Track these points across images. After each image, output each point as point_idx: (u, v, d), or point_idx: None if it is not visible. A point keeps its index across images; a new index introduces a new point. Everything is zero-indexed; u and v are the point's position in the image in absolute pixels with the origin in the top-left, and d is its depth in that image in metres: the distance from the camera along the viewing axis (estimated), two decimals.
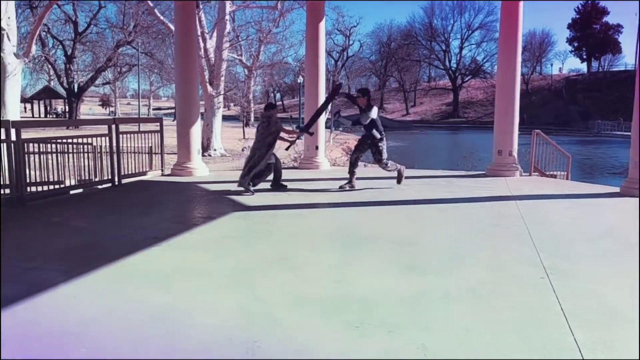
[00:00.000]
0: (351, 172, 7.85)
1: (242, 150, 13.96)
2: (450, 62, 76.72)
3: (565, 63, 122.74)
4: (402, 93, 78.34)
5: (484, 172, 9.71)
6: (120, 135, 8.25)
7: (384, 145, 7.67)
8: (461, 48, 76.18)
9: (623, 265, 4.14)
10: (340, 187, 7.75)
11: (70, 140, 8.26)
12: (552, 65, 79.24)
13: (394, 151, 28.73)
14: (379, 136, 7.58)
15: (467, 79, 76.34)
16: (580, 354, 2.58)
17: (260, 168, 7.37)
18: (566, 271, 3.92)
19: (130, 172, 8.63)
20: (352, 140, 35.60)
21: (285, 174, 9.60)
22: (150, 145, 9.37)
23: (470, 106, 74.55)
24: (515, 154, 9.37)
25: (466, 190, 7.88)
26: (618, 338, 2.79)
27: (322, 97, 10.54)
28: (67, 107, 38.30)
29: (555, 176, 10.00)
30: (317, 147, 10.34)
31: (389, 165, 7.74)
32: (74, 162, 8.04)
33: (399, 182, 7.85)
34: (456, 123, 68.72)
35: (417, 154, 26.10)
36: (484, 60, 74.27)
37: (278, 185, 7.82)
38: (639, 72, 7.47)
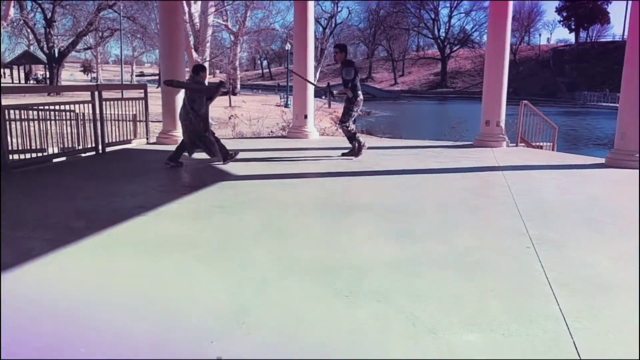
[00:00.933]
0: (356, 136, 7.72)
1: (229, 118, 13.79)
2: (439, 31, 76.01)
3: (554, 33, 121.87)
4: (391, 62, 77.73)
5: (471, 143, 9.73)
6: (104, 102, 8.07)
7: (354, 110, 7.55)
8: (450, 17, 75.43)
9: (608, 235, 4.21)
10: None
11: (52, 107, 8.08)
12: (540, 35, 78.83)
13: (382, 121, 28.60)
14: (351, 94, 7.41)
15: (455, 48, 75.84)
16: (564, 323, 2.63)
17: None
18: (552, 241, 3.98)
19: (114, 140, 8.50)
20: (340, 110, 35.45)
21: (274, 143, 9.55)
22: (134, 112, 9.20)
23: (459, 76, 74.32)
24: (502, 124, 9.38)
25: (454, 160, 7.90)
26: (603, 307, 2.85)
27: (310, 66, 10.39)
28: (47, 73, 37.39)
29: (541, 147, 10.06)
30: (305, 117, 10.24)
31: (350, 129, 7.58)
32: (56, 130, 7.89)
33: (354, 154, 7.67)
34: (444, 93, 68.60)
35: (406, 124, 26.08)
36: (473, 30, 73.79)
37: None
38: (629, 42, 7.44)
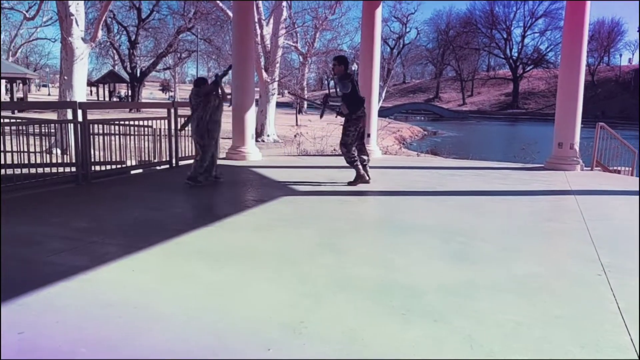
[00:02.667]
0: (354, 163, 6.85)
1: (294, 136, 14.08)
2: (511, 50, 74.03)
3: (636, 54, 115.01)
4: (459, 82, 76.38)
5: (542, 165, 9.37)
6: (179, 119, 8.51)
7: (352, 128, 6.71)
8: (523, 36, 73.33)
9: None
10: (351, 182, 6.93)
11: (131, 123, 8.62)
12: (621, 55, 75.05)
13: (448, 141, 28.03)
14: (346, 111, 6.65)
15: (528, 68, 73.45)
16: (636, 354, 2.48)
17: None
18: (625, 269, 3.75)
19: (186, 155, 8.91)
20: (405, 129, 35.18)
21: (336, 161, 9.64)
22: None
23: (531, 97, 71.78)
24: (577, 147, 8.98)
25: (522, 182, 7.64)
26: None
27: (376, 85, 10.46)
28: (129, 91, 39.84)
29: (619, 172, 9.51)
30: (369, 135, 10.28)
31: (350, 153, 6.79)
32: (134, 144, 8.39)
33: (351, 182, 6.92)
34: (515, 114, 66.39)
35: (473, 144, 25.44)
36: (548, 50, 71.27)
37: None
38: None
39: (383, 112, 23.41)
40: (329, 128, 17.12)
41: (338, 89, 6.71)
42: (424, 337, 2.66)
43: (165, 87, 67.56)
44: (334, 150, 12.43)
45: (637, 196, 6.89)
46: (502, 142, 32.06)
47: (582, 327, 2.80)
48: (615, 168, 9.63)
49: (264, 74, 18.82)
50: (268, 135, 19.29)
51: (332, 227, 4.96)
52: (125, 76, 39.89)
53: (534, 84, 72.79)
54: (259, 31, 18.09)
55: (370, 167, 8.90)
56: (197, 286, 3.31)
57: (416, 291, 3.26)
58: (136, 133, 8.62)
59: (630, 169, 9.66)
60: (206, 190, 6.63)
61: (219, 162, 9.19)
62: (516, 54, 73.74)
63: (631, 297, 3.22)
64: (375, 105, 10.45)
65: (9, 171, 6.20)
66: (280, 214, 5.34)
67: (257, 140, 13.75)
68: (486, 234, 4.78)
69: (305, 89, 37.44)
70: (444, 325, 2.79)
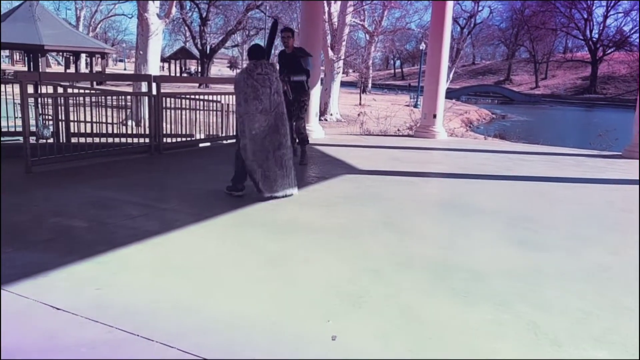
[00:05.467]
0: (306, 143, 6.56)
1: (358, 115, 14.03)
2: (591, 32, 69.35)
3: None
4: (533, 64, 72.75)
5: (620, 154, 8.84)
6: None
7: (308, 103, 6.61)
8: (605, 17, 68.37)
9: None
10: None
11: (200, 97, 8.89)
12: None
13: (518, 125, 27.08)
14: (307, 87, 6.37)
15: (609, 51, 68.71)
16: None
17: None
18: None
19: None
20: (472, 111, 34.09)
21: (399, 141, 9.53)
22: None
23: (611, 81, 67.31)
24: None
25: (597, 170, 7.25)
26: None
27: (444, 66, 10.18)
28: (199, 67, 40.96)
29: None
30: (434, 116, 10.07)
31: (304, 130, 6.49)
32: (203, 118, 8.66)
33: (305, 163, 6.46)
34: (592, 99, 62.62)
35: (544, 130, 24.34)
36: (632, 31, 66.17)
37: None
38: None
39: (450, 94, 22.77)
40: (393, 108, 16.91)
41: (303, 64, 6.15)
42: (484, 321, 2.62)
43: (233, 64, 68.84)
44: (398, 130, 12.28)
45: None
46: (577, 128, 30.43)
47: None
48: None
49: (330, 52, 18.76)
50: (331, 114, 19.31)
51: (394, 206, 4.94)
52: (196, 53, 40.98)
53: (614, 67, 68.08)
54: (326, 9, 17.99)
55: (436, 149, 8.74)
56: (260, 256, 3.41)
57: (479, 275, 3.20)
58: (205, 108, 8.87)
59: None
60: None
61: None
62: (596, 36, 69.01)
63: None
64: (443, 86, 10.17)
65: (88, 140, 6.58)
66: (342, 191, 5.37)
67: (320, 119, 13.81)
68: (556, 221, 4.60)
69: (371, 68, 37.00)
70: (507, 310, 2.74)
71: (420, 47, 32.87)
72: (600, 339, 2.45)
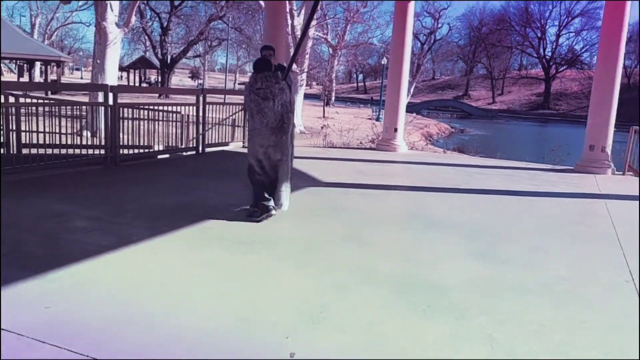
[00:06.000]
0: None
1: (321, 128, 14.08)
2: (544, 50, 72.25)
3: None
4: (490, 80, 75.07)
5: (572, 168, 9.17)
6: (207, 106, 8.59)
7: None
8: (558, 35, 71.42)
9: None
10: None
11: (160, 108, 8.73)
12: None
13: (476, 140, 27.63)
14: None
15: (562, 68, 71.68)
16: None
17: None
18: None
19: (213, 142, 8.99)
20: (432, 125, 34.79)
21: (362, 154, 9.61)
22: (233, 117, 9.68)
23: (563, 98, 70.09)
24: (608, 150, 8.74)
25: (551, 184, 7.49)
26: None
27: (405, 80, 10.36)
28: (159, 77, 40.31)
29: None
30: (395, 130, 10.21)
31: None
32: (162, 129, 8.50)
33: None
34: (545, 115, 64.99)
35: (501, 144, 25.05)
36: (583, 50, 69.29)
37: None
38: None
39: (411, 108, 23.18)
40: (356, 121, 17.06)
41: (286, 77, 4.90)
42: (444, 334, 2.64)
43: (194, 75, 68.16)
44: (360, 143, 12.39)
45: None
46: (531, 142, 31.47)
47: (607, 334, 2.74)
48: None
49: (293, 65, 18.82)
50: (294, 126, 19.32)
51: (358, 219, 4.95)
52: (156, 62, 40.34)
53: (566, 84, 71.02)
54: (289, 21, 18.07)
55: (397, 162, 8.85)
56: (221, 270, 3.34)
57: (439, 288, 3.23)
58: (164, 118, 8.72)
59: None
60: (233, 178, 6.68)
61: (245, 150, 9.26)
62: (549, 54, 71.96)
63: None
64: (404, 100, 10.35)
65: (41, 150, 6.34)
66: (305, 205, 5.35)
67: None
68: (513, 234, 4.70)
69: (334, 81, 37.31)
70: (465, 323, 2.76)
71: (382, 62, 33.40)
72: (554, 352, 2.50)
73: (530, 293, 3.24)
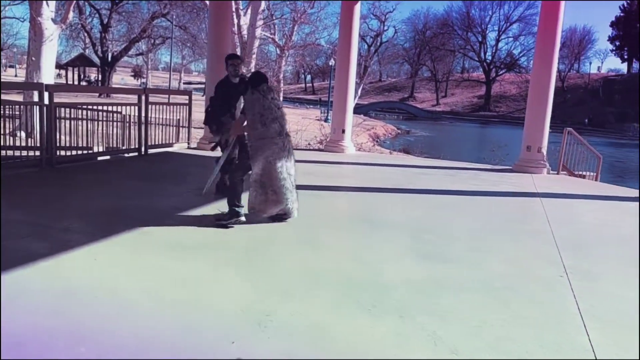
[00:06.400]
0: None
1: None
2: (485, 54, 75.06)
3: (605, 62, 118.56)
4: (434, 83, 77.16)
5: (510, 167, 9.55)
6: (150, 106, 8.35)
7: None
8: (498, 40, 74.43)
9: None
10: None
11: (100, 108, 8.41)
12: (590, 63, 76.98)
13: (421, 141, 28.34)
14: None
15: (501, 72, 74.68)
16: (593, 355, 2.55)
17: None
18: (586, 272, 3.86)
19: (156, 143, 8.75)
20: (379, 126, 35.38)
21: (310, 156, 9.62)
22: (178, 118, 9.47)
23: (503, 100, 73.01)
24: (544, 150, 9.17)
25: (491, 184, 7.77)
26: (633, 343, 2.74)
27: (352, 82, 10.46)
28: (100, 76, 38.88)
29: (584, 176, 9.76)
30: (343, 131, 10.29)
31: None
32: (103, 130, 8.19)
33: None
34: (487, 117, 67.49)
35: (445, 145, 25.79)
36: (521, 55, 72.51)
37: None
38: None
39: (358, 110, 23.47)
40: (304, 122, 17.08)
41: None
42: (389, 333, 2.67)
43: (137, 73, 66.16)
44: (309, 144, 12.42)
45: (601, 201, 7.09)
46: (473, 143, 32.57)
47: (544, 328, 2.86)
48: (580, 173, 9.87)
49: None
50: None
51: (305, 221, 4.93)
52: (96, 60, 38.87)
53: (505, 87, 74.05)
54: (235, 21, 17.87)
55: (345, 163, 8.92)
56: (164, 278, 3.24)
57: (385, 287, 3.27)
58: (105, 119, 8.40)
59: (595, 174, 9.92)
60: (174, 180, 6.52)
61: (190, 152, 9.07)
62: (490, 58, 74.84)
63: (591, 299, 3.31)
64: (351, 101, 10.46)
65: None
66: None
67: None
68: (455, 233, 4.84)
69: (282, 82, 37.17)
70: (409, 321, 2.81)
71: (330, 63, 33.63)
72: (494, 347, 2.59)
73: (471, 291, 3.34)
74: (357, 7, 10.28)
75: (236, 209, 4.46)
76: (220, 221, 4.44)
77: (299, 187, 5.62)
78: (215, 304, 2.90)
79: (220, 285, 3.17)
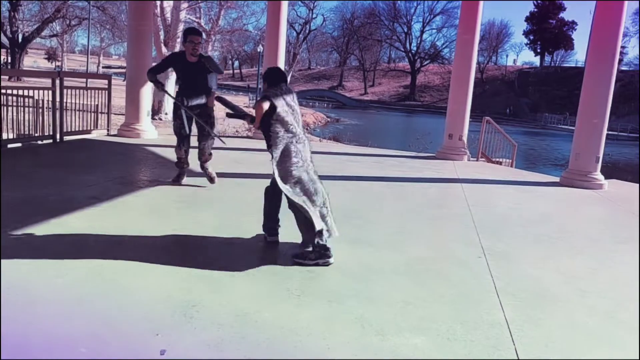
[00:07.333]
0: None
1: None
2: (410, 44, 77.30)
3: (520, 55, 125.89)
4: (362, 72, 78.46)
5: (434, 155, 9.91)
6: (66, 91, 7.85)
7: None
8: (422, 31, 76.86)
9: (556, 250, 4.34)
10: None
11: (9, 92, 7.80)
12: (507, 56, 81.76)
13: (350, 129, 28.73)
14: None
15: (425, 63, 77.24)
16: (508, 330, 2.70)
17: None
18: (502, 252, 4.08)
19: (73, 130, 8.26)
20: (309, 114, 35.47)
21: (237, 143, 9.47)
22: (96, 103, 8.99)
23: (427, 90, 75.62)
24: (465, 138, 9.60)
25: (415, 170, 8.02)
26: (545, 317, 2.93)
27: (281, 68, 10.37)
28: (9, 58, 36.08)
29: (500, 163, 10.35)
30: None
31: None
32: (13, 115, 7.61)
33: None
34: (412, 106, 69.67)
35: (372, 133, 26.35)
36: (443, 46, 75.38)
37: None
38: (587, 69, 7.76)
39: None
40: None
41: (208, 82, 5.45)
42: (317, 318, 2.69)
43: (51, 56, 62.07)
44: (237, 132, 12.22)
45: (516, 185, 7.54)
46: (399, 131, 33.51)
47: (463, 306, 2.99)
48: (497, 159, 10.46)
49: (163, 49, 17.93)
50: (166, 114, 18.46)
51: (230, 209, 4.86)
52: (5, 41, 36.01)
53: (430, 78, 76.72)
54: (158, 3, 17.18)
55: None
56: (81, 271, 3.07)
57: (313, 273, 3.29)
58: (15, 104, 7.81)
59: (511, 160, 10.54)
60: (96, 168, 6.20)
61: (110, 139, 8.64)
62: (415, 48, 77.17)
63: (506, 277, 3.50)
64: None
65: None
66: (175, 196, 5.14)
67: (153, 118, 13.11)
68: (380, 218, 4.95)
69: None
70: (337, 306, 2.85)
71: (258, 50, 33.21)
72: (417, 326, 2.68)
73: (395, 273, 3.44)
74: None
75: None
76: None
77: (225, 175, 5.54)
78: (139, 296, 2.78)
79: (143, 277, 3.04)
